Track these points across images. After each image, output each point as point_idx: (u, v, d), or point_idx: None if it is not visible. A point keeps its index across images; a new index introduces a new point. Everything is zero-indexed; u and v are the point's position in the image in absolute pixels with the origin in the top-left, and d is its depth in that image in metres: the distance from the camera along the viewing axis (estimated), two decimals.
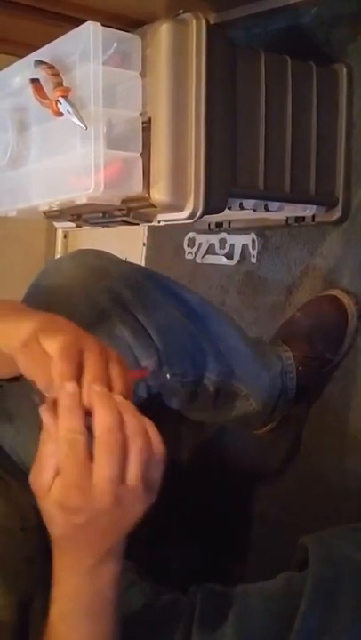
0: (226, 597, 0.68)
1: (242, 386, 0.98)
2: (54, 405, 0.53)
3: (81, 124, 0.88)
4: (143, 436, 0.52)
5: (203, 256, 1.41)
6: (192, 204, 0.93)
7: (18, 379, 0.78)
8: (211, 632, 0.63)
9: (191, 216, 0.93)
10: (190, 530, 0.90)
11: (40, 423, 0.55)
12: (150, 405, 0.90)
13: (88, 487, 0.51)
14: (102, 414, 0.51)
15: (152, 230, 1.55)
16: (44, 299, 0.80)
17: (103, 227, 1.12)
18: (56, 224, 1.25)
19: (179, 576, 0.72)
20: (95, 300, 0.80)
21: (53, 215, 1.11)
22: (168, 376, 0.59)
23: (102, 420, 0.51)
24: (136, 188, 0.93)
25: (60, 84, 0.91)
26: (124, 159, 0.93)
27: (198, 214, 0.94)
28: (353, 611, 0.64)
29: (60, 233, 1.85)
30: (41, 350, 0.55)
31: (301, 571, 0.70)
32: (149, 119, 0.94)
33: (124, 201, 0.96)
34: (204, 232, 1.40)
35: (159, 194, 0.92)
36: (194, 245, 1.44)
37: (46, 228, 1.88)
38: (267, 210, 1.13)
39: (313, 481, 1.00)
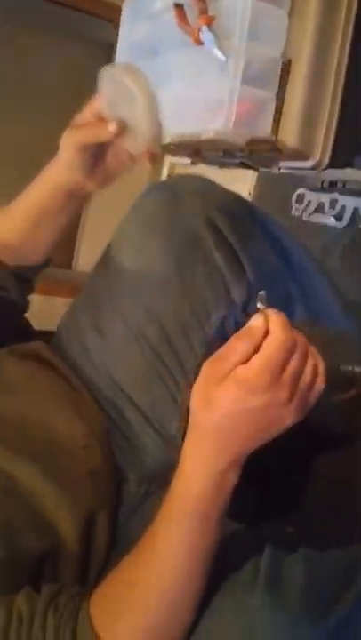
0: (297, 534, 0.68)
1: None
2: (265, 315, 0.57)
3: (221, 56, 0.86)
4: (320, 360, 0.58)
5: (310, 214, 1.38)
6: (319, 153, 0.90)
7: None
8: (280, 566, 0.63)
9: (316, 166, 0.90)
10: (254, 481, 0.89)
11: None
12: None
13: (280, 375, 0.54)
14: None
15: (261, 180, 1.51)
16: (144, 217, 0.79)
17: (220, 167, 1.10)
18: (171, 159, 1.24)
19: (245, 514, 0.72)
20: (190, 223, 0.78)
21: (171, 149, 1.11)
22: (260, 305, 0.61)
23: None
24: (265, 129, 0.91)
25: (205, 12, 0.89)
26: (258, 98, 0.91)
27: (324, 165, 0.91)
28: None
29: (165, 172, 1.84)
30: None
31: None
32: (289, 61, 0.91)
33: (248, 142, 0.94)
34: (316, 190, 1.36)
35: (288, 138, 0.90)
36: (302, 202, 1.40)
37: (149, 171, 1.87)
38: None
39: None
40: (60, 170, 0.74)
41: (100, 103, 0.72)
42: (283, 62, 0.91)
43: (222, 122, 0.86)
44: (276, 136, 0.91)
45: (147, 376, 0.79)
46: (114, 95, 0.69)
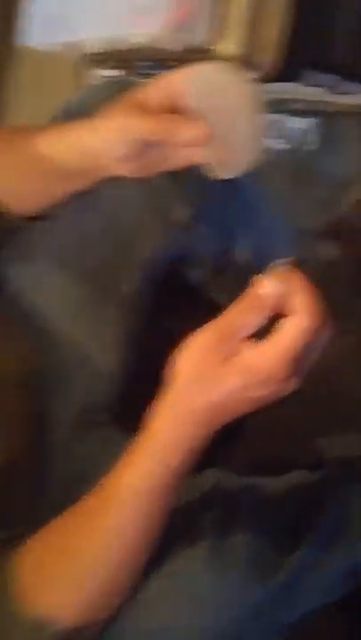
0: (240, 486, 0.64)
1: None
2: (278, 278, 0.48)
3: None
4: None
5: None
6: (265, 63, 0.82)
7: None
8: (223, 520, 0.59)
9: (262, 78, 0.82)
10: None
11: None
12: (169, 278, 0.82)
13: (297, 366, 0.46)
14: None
15: None
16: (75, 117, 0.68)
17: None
18: (98, 71, 1.13)
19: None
20: None
21: (98, 59, 1.00)
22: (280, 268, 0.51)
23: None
24: (204, 35, 0.81)
25: None
26: (198, 0, 0.80)
27: (270, 79, 0.83)
28: None
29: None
30: None
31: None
32: None
33: (185, 50, 0.84)
34: None
35: (230, 45, 0.80)
36: None
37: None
38: (341, 92, 1.01)
39: (338, 396, 0.96)
40: (98, 145, 0.57)
41: (184, 89, 0.54)
42: None
43: (157, 26, 0.76)
44: (217, 44, 0.81)
45: (77, 302, 0.72)
46: (204, 93, 0.54)
